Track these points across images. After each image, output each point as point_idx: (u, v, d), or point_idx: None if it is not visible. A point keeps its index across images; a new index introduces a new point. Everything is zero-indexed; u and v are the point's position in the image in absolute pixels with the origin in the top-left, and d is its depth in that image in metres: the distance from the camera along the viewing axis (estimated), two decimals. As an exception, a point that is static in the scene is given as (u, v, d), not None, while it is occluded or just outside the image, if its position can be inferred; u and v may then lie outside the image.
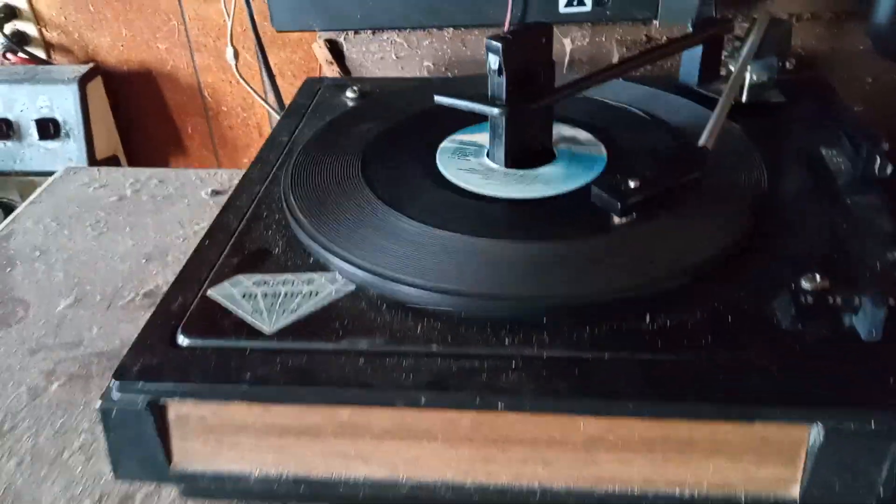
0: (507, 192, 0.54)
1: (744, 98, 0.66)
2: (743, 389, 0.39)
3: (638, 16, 0.76)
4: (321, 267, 0.49)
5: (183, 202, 0.82)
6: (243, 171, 0.63)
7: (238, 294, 0.48)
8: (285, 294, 0.47)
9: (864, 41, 0.86)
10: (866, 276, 0.45)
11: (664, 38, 0.88)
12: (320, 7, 0.77)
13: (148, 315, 0.46)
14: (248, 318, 0.45)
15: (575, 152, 0.58)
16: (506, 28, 0.76)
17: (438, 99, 0.54)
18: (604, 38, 0.88)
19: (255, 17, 0.93)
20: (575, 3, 0.76)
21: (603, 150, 0.58)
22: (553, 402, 0.39)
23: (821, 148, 0.57)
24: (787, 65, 0.67)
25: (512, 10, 0.74)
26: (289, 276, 0.49)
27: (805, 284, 0.44)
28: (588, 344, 0.41)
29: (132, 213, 0.80)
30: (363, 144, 0.60)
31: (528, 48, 0.53)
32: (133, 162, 1.20)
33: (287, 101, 0.80)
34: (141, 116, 1.20)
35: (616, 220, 0.48)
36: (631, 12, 0.76)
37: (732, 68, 0.66)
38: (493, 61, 0.52)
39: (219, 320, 0.45)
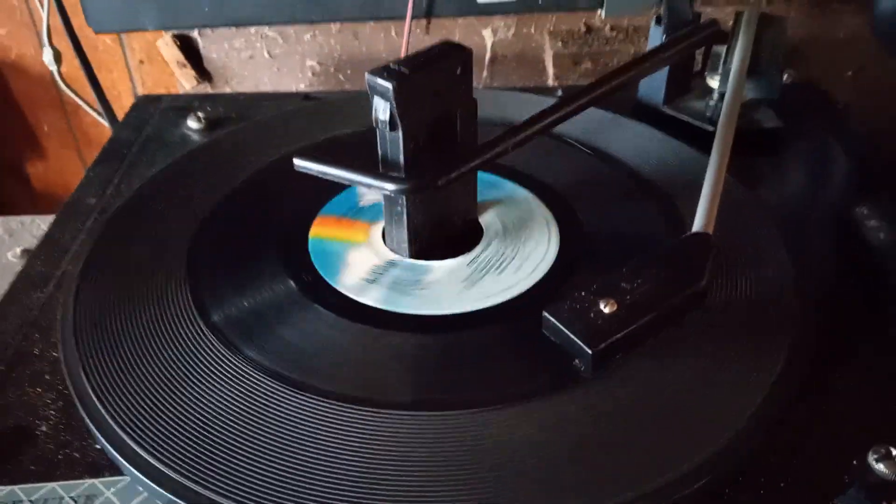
0: (410, 305, 0.35)
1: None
2: None
3: (581, 5, 0.57)
4: (110, 466, 0.30)
5: (-20, 268, 0.60)
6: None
7: (-41, 535, 0.28)
8: (42, 530, 0.28)
9: (845, 27, 0.70)
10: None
11: (608, 27, 0.70)
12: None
13: None
14: None
15: (510, 224, 0.40)
16: (407, 23, 0.57)
17: (299, 164, 0.34)
18: (532, 29, 0.70)
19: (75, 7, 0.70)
20: (497, -11, 0.57)
21: (550, 222, 0.40)
22: None
23: (854, 210, 0.40)
24: (786, 77, 0.50)
25: (415, 1, 0.55)
26: (54, 489, 0.29)
27: (877, 466, 0.29)
28: None
29: None
30: (194, 228, 0.40)
31: (434, 84, 0.34)
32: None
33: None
34: (-17, 115, 0.97)
35: (582, 371, 0.31)
36: (571, 1, 0.57)
37: (713, 84, 0.49)
38: (381, 108, 0.33)
39: None
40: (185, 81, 0.73)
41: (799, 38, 0.69)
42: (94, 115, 0.79)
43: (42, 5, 0.70)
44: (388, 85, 0.32)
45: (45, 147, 1.03)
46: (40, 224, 0.66)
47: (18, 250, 0.62)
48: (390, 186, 0.33)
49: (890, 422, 0.31)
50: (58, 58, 0.74)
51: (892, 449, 0.29)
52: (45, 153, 1.04)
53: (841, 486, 0.29)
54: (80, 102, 0.77)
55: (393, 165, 0.34)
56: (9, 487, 0.30)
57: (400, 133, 0.33)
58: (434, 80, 0.33)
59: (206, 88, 0.74)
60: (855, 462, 0.29)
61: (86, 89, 0.79)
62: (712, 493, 0.28)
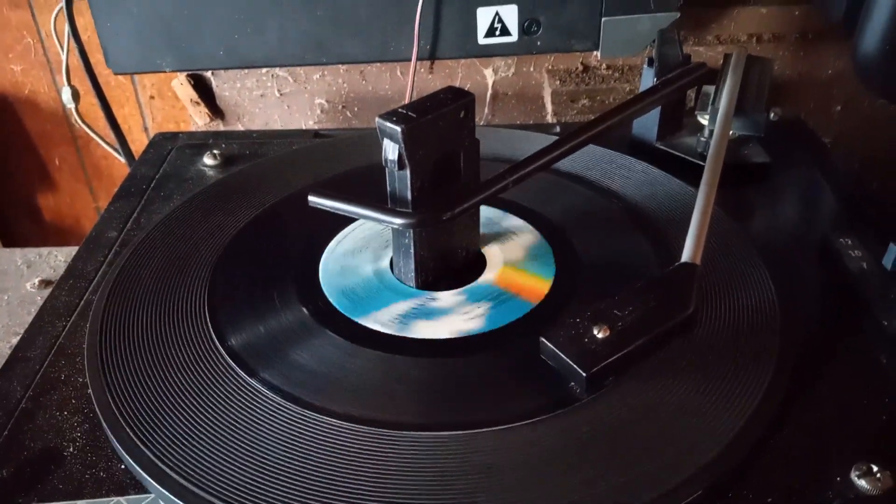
0: (417, 331, 0.37)
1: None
2: None
3: (577, 47, 0.60)
4: (135, 484, 0.32)
5: (0, 299, 0.62)
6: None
7: (-5, 550, 0.30)
8: (73, 546, 0.30)
9: (832, 64, 0.73)
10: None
11: (604, 66, 0.73)
12: (169, 42, 0.58)
13: None
14: None
15: (511, 256, 0.42)
16: (412, 66, 0.59)
17: (313, 201, 0.37)
18: (532, 68, 0.73)
19: (92, 48, 0.73)
20: (497, 32, 0.60)
21: (548, 253, 0.43)
22: None
23: (838, 240, 0.43)
24: (773, 116, 0.52)
25: (419, 44, 0.58)
26: (82, 506, 0.31)
27: (860, 482, 0.30)
28: None
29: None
30: (213, 259, 0.43)
31: (439, 127, 0.36)
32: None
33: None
34: (-2, 149, 0.99)
35: (578, 393, 0.33)
36: (567, 43, 0.60)
37: (703, 121, 0.52)
38: (391, 149, 0.35)
39: None
40: (199, 119, 0.76)
41: (787, 77, 0.72)
42: (109, 149, 0.82)
43: (62, 47, 0.73)
44: (397, 128, 0.34)
45: (57, 180, 1.05)
46: (57, 255, 0.68)
47: (37, 281, 0.64)
48: (399, 221, 0.36)
49: (870, 440, 0.33)
50: (76, 96, 0.77)
51: (873, 466, 0.31)
52: (57, 187, 1.05)
53: (825, 501, 0.30)
54: (97, 138, 0.80)
55: (401, 201, 0.37)
56: (39, 504, 0.32)
57: (408, 172, 0.36)
58: (439, 123, 0.36)
59: (218, 125, 0.77)
60: (838, 478, 0.31)
61: (98, 123, 0.82)
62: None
